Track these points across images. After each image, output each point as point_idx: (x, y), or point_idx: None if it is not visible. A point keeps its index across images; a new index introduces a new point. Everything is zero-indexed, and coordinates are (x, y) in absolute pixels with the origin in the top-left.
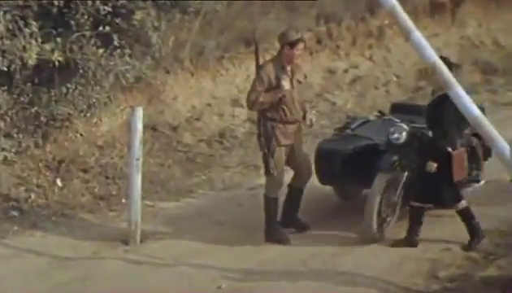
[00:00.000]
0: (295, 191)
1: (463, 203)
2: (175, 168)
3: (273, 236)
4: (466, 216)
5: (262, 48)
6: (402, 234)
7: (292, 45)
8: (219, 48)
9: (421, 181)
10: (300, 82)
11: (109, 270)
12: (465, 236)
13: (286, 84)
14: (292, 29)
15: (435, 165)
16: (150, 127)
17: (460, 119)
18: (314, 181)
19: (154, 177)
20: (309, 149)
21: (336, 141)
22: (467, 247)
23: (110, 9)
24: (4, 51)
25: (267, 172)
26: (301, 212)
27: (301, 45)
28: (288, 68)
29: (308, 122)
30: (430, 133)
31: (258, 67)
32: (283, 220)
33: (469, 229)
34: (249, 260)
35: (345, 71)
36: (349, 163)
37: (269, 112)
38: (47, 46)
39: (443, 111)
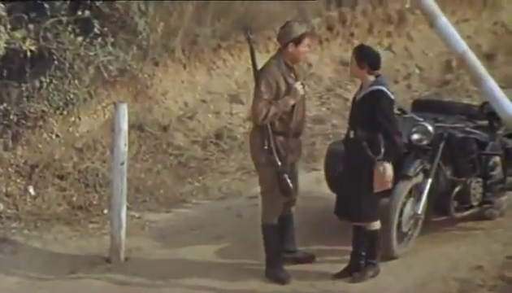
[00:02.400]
0: (284, 220)
1: (377, 225)
2: (164, 174)
3: (273, 274)
4: (373, 240)
5: (264, 36)
6: (426, 250)
7: (298, 41)
8: (215, 36)
9: (339, 188)
10: (303, 86)
11: (88, 292)
12: (499, 252)
13: (300, 88)
14: (296, 22)
15: (388, 166)
16: (137, 127)
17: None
18: (323, 188)
19: (141, 185)
20: (318, 151)
21: None
22: (352, 279)
23: None
24: None
25: (285, 195)
26: (307, 224)
27: (307, 41)
28: (292, 69)
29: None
30: (352, 133)
31: (260, 71)
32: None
33: (367, 255)
34: (250, 279)
35: None
36: None
37: (277, 124)
38: (17, 34)
39: (375, 109)
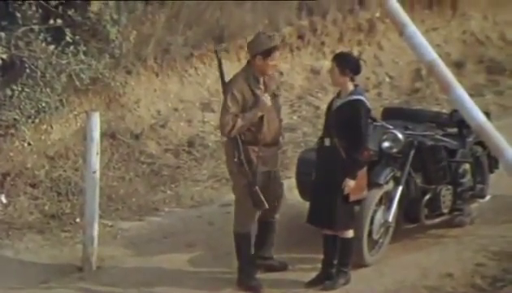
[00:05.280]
0: (266, 226)
1: (350, 233)
2: (137, 183)
3: (245, 283)
4: (346, 248)
5: (236, 45)
6: (396, 257)
7: (266, 54)
8: (187, 44)
9: (313, 196)
10: (276, 95)
11: None
12: (469, 260)
13: (267, 100)
14: (265, 34)
15: (352, 182)
16: (109, 135)
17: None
18: (294, 196)
19: (114, 193)
20: (289, 159)
21: None
22: (324, 287)
23: None
24: None
25: (256, 207)
26: (279, 232)
27: (276, 54)
28: (261, 80)
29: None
30: (327, 141)
31: (227, 84)
32: (257, 260)
33: (340, 263)
34: (222, 288)
35: None
36: None
37: (244, 134)
38: None
39: (354, 117)
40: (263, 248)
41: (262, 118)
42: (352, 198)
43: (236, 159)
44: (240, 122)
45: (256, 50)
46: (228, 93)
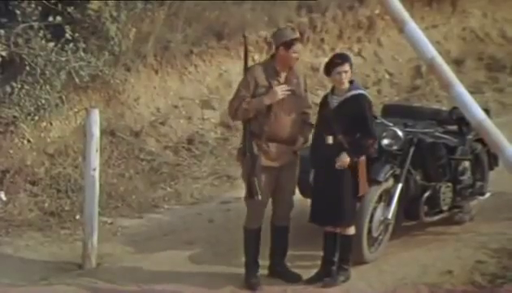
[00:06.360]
0: (277, 231)
1: (352, 230)
2: (137, 180)
3: (246, 279)
4: (347, 245)
5: (236, 42)
6: (396, 254)
7: (288, 45)
8: (186, 42)
9: (316, 194)
10: (295, 94)
11: None
12: (469, 257)
13: (279, 91)
14: (289, 27)
15: (347, 159)
16: (108, 132)
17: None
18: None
19: (113, 190)
20: None
21: None
22: (324, 284)
23: None
24: None
25: (251, 197)
26: None
27: (298, 47)
28: (283, 74)
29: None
30: (330, 139)
31: (246, 70)
32: (270, 266)
33: (340, 259)
34: (221, 285)
35: None
36: None
37: (252, 125)
38: None
39: (360, 111)
40: (273, 255)
41: (270, 110)
42: (361, 193)
43: (240, 145)
44: (244, 105)
45: (279, 41)
46: (243, 78)
